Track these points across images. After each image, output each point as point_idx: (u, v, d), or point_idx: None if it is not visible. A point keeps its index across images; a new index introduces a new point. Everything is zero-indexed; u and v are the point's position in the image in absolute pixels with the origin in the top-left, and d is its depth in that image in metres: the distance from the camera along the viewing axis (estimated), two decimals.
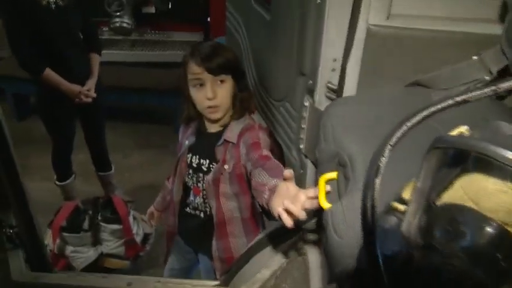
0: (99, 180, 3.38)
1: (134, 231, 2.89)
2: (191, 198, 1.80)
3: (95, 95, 2.84)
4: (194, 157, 1.75)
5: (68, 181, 3.18)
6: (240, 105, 1.66)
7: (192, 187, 1.79)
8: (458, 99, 0.62)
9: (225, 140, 1.64)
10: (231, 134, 1.64)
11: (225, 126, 1.68)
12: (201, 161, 1.73)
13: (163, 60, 4.27)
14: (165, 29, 4.53)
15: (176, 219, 1.88)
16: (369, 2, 1.23)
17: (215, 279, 1.83)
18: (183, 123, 1.81)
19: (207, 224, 1.76)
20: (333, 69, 1.39)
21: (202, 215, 1.81)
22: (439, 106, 0.62)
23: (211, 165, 1.70)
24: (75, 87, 2.75)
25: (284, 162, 1.76)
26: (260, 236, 1.69)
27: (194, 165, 1.75)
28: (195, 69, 1.55)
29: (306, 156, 1.58)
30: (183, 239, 1.95)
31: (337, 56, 1.36)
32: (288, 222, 1.02)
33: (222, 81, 1.58)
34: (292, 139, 1.64)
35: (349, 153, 1.03)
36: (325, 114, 1.18)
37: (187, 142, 1.77)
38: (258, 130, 1.62)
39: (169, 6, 4.38)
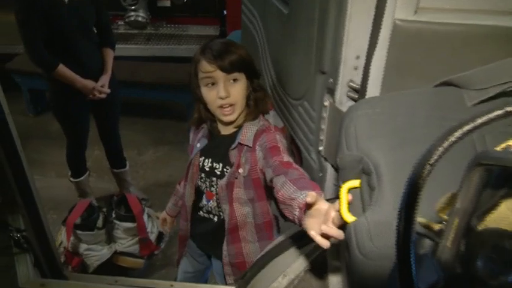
0: (113, 177, 3.34)
1: (148, 229, 2.85)
2: (204, 202, 1.73)
3: (108, 91, 2.79)
4: (206, 160, 1.67)
5: (82, 178, 3.15)
6: (255, 106, 1.56)
7: (205, 191, 1.71)
8: (510, 109, 0.53)
9: (239, 143, 1.56)
10: (246, 137, 1.55)
11: (239, 128, 1.59)
12: (214, 164, 1.65)
13: (179, 55, 4.21)
14: (180, 23, 4.46)
15: (188, 223, 1.83)
16: None
17: (226, 284, 1.78)
18: (193, 126, 1.74)
19: (221, 227, 1.70)
20: (355, 67, 1.30)
21: (216, 218, 1.74)
22: (486, 118, 0.53)
23: (225, 169, 1.62)
24: (89, 83, 2.70)
25: (302, 163, 1.68)
26: (278, 240, 1.61)
27: (207, 168, 1.67)
28: (206, 67, 1.46)
29: (325, 159, 1.50)
30: (196, 243, 1.89)
31: (360, 53, 1.27)
32: (325, 244, 0.94)
33: (235, 79, 1.49)
34: (311, 140, 1.55)
35: (375, 161, 0.94)
36: (348, 116, 1.10)
37: (198, 145, 1.69)
38: (274, 132, 1.53)
39: (185, 0, 4.31)
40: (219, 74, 1.46)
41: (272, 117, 1.68)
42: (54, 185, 3.55)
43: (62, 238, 2.76)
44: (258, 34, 1.97)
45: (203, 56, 1.47)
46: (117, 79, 3.00)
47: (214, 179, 1.65)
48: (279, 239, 1.60)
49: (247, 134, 1.55)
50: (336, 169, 1.46)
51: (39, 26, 2.46)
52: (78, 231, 2.71)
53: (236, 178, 1.57)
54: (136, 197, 2.90)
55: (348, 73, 1.31)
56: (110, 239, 2.83)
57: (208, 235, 1.79)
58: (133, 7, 4.04)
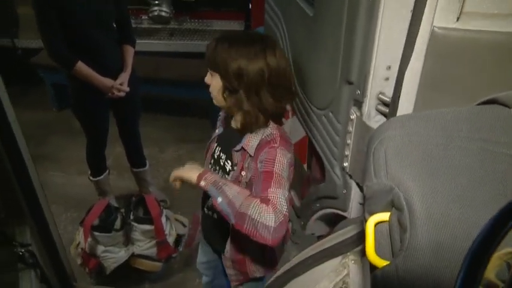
0: (133, 176, 3.29)
1: (166, 231, 2.78)
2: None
3: (128, 89, 2.72)
4: (218, 148, 1.72)
5: (101, 176, 3.11)
6: (243, 116, 1.51)
7: None
8: None
9: (243, 147, 1.55)
10: (249, 145, 1.53)
11: (242, 129, 1.55)
12: (221, 154, 1.69)
13: (203, 51, 4.11)
14: (205, 18, 4.36)
15: (201, 211, 1.90)
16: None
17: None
18: None
19: (221, 225, 1.69)
20: (386, 79, 1.17)
21: (215, 216, 1.78)
22: None
23: (227, 163, 1.65)
24: (108, 81, 2.64)
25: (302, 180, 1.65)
26: (304, 254, 1.50)
27: (215, 156, 1.71)
28: None
29: (350, 176, 1.38)
30: (204, 237, 1.99)
31: (391, 63, 1.14)
32: None
33: (211, 73, 1.53)
34: (335, 155, 1.43)
35: (407, 195, 0.82)
36: (377, 137, 0.97)
37: (217, 131, 1.76)
38: (277, 148, 1.47)
39: None
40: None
41: (290, 124, 1.60)
42: (75, 182, 3.53)
43: (80, 239, 2.72)
44: (280, 35, 1.85)
45: None
46: (140, 75, 2.93)
47: (217, 168, 1.69)
48: (307, 252, 1.49)
49: (250, 142, 1.53)
50: (362, 188, 1.34)
51: (56, 21, 2.40)
52: (96, 233, 2.66)
53: (240, 181, 1.57)
54: (155, 198, 2.83)
55: (378, 84, 1.18)
56: (128, 241, 2.78)
57: (211, 231, 1.88)
58: (157, 2, 3.97)
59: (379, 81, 1.17)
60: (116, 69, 2.69)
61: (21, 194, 1.37)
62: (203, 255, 2.13)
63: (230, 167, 1.62)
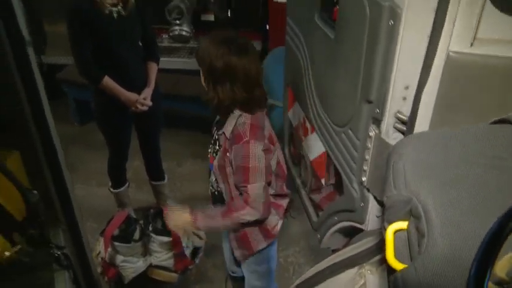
0: (152, 189, 3.38)
1: (184, 244, 2.85)
2: (210, 170, 2.07)
3: (150, 103, 2.83)
4: (215, 131, 2.02)
5: (121, 189, 3.20)
6: (218, 104, 1.82)
7: (209, 155, 2.07)
8: None
9: (223, 132, 1.86)
10: (227, 129, 1.84)
11: (213, 113, 1.97)
12: (216, 136, 2.00)
13: None
14: None
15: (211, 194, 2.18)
16: (451, 25, 1.09)
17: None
18: None
19: (221, 200, 2.01)
20: (404, 98, 1.25)
21: (216, 193, 2.05)
22: None
23: (217, 145, 1.98)
24: (132, 96, 2.75)
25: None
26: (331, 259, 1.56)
27: (214, 137, 2.02)
28: None
29: (368, 190, 1.45)
30: None
31: (409, 84, 1.22)
32: None
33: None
34: (354, 169, 1.51)
35: (425, 204, 0.89)
36: (396, 152, 1.05)
37: (217, 117, 2.03)
38: (248, 145, 1.76)
39: (229, 14, 4.34)
40: None
41: (310, 140, 1.93)
42: (95, 194, 3.62)
43: (100, 248, 2.80)
44: (301, 55, 1.94)
45: None
46: (160, 91, 3.04)
47: (215, 147, 1.99)
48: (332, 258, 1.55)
49: (227, 127, 1.84)
50: (379, 202, 1.41)
51: (88, 39, 2.52)
52: (116, 243, 2.74)
53: (225, 160, 1.87)
54: None
55: (396, 104, 1.26)
56: (146, 252, 2.85)
57: (215, 206, 2.09)
58: (178, 21, 4.10)
59: (397, 101, 1.26)
60: (140, 85, 2.81)
61: (57, 199, 1.46)
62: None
63: (218, 147, 1.96)
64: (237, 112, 1.81)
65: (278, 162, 1.94)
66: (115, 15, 2.56)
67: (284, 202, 2.04)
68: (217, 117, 2.02)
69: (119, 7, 2.56)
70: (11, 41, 1.23)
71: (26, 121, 1.38)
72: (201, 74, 1.87)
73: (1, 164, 1.36)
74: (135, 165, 3.73)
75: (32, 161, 1.52)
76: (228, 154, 1.84)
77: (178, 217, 1.96)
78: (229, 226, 1.91)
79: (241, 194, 1.86)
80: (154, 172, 3.27)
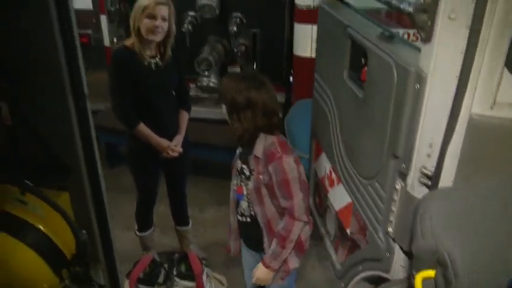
0: (176, 234, 3.45)
1: None
2: (240, 204, 2.20)
3: (181, 150, 2.95)
4: (240, 162, 2.18)
5: (147, 232, 3.28)
6: (242, 132, 2.01)
7: (236, 187, 2.22)
8: None
9: (254, 155, 2.03)
10: (258, 151, 2.02)
11: (237, 141, 2.10)
12: (243, 166, 2.15)
13: None
14: None
15: (234, 217, 2.33)
16: (473, 90, 1.20)
17: None
18: None
19: (255, 225, 2.14)
20: (428, 155, 1.35)
21: (249, 219, 2.18)
22: None
23: (245, 170, 2.12)
24: (164, 142, 2.88)
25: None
26: None
27: (238, 168, 2.18)
28: None
29: (393, 240, 1.52)
30: (244, 242, 2.36)
31: (433, 142, 1.32)
32: None
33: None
34: (379, 220, 1.59)
35: (451, 254, 0.97)
36: (423, 205, 1.14)
37: (238, 150, 2.24)
38: (281, 158, 1.95)
39: (254, 67, 4.54)
40: None
41: (335, 191, 2.02)
42: (122, 237, 3.69)
43: None
44: (329, 110, 2.07)
45: None
46: (189, 139, 3.17)
47: (243, 177, 2.15)
48: None
49: (258, 150, 2.02)
50: (405, 252, 1.48)
51: (127, 88, 2.70)
52: (141, 286, 2.81)
53: (259, 183, 2.03)
54: (197, 256, 2.98)
55: (421, 159, 1.36)
56: None
57: (247, 234, 2.27)
58: (206, 73, 4.29)
59: (422, 157, 1.35)
60: (172, 132, 2.95)
61: (99, 240, 1.56)
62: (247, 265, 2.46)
63: (248, 173, 2.11)
64: (262, 135, 2.02)
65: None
66: (153, 66, 2.74)
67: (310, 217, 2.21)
68: (239, 151, 2.23)
69: (157, 59, 2.75)
70: (74, 96, 1.37)
71: (78, 164, 1.50)
72: (224, 109, 2.07)
73: (57, 204, 1.47)
74: (160, 210, 3.82)
75: (79, 202, 1.63)
76: (261, 176, 2.03)
77: (260, 273, 2.13)
78: (291, 248, 2.06)
79: (277, 211, 2.07)
80: (180, 217, 3.35)
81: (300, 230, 2.03)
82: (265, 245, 2.16)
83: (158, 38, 2.62)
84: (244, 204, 2.19)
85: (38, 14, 1.29)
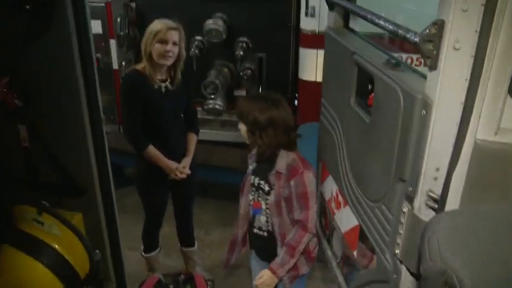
0: (181, 255, 3.47)
1: None
2: (256, 218, 2.39)
3: (189, 172, 3.00)
4: (256, 178, 2.36)
5: (153, 253, 3.31)
6: (264, 149, 2.23)
7: (252, 202, 2.40)
8: None
9: (277, 171, 2.22)
10: (281, 168, 2.21)
11: (260, 157, 2.30)
12: (261, 182, 2.33)
13: None
14: None
15: (242, 231, 2.53)
16: (477, 117, 1.24)
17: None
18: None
19: (271, 239, 2.36)
20: (435, 178, 1.38)
21: (266, 234, 2.39)
22: None
23: (267, 186, 2.31)
24: (172, 164, 2.93)
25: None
26: None
27: (255, 184, 2.36)
28: None
29: (401, 262, 1.54)
30: (256, 253, 2.56)
31: (440, 166, 1.35)
32: None
33: (240, 121, 2.28)
34: (387, 242, 1.61)
35: (460, 277, 1.00)
36: (430, 228, 1.17)
37: (251, 167, 2.41)
38: (302, 173, 2.18)
39: (260, 90, 4.61)
40: None
41: (342, 213, 2.10)
42: (126, 257, 3.71)
43: None
44: (336, 134, 2.11)
45: None
46: (196, 161, 3.22)
47: (261, 192, 2.34)
48: None
49: (281, 166, 2.21)
50: (412, 273, 1.50)
51: (138, 111, 2.76)
52: None
53: (280, 197, 2.23)
54: (203, 277, 2.99)
55: (428, 183, 1.39)
56: None
57: (262, 246, 2.46)
58: (212, 96, 4.37)
59: (429, 181, 1.39)
60: (180, 154, 3.00)
61: (110, 260, 1.59)
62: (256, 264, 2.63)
63: (268, 188, 2.29)
64: (283, 152, 2.21)
65: None
66: (163, 90, 2.81)
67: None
68: (252, 167, 2.39)
69: (167, 83, 2.82)
70: (91, 120, 1.43)
71: (92, 186, 1.55)
72: (242, 129, 2.25)
73: (73, 225, 1.51)
74: (165, 231, 3.84)
75: (91, 223, 1.67)
76: (281, 190, 2.22)
77: (266, 277, 2.29)
78: (298, 258, 2.28)
79: (291, 223, 2.28)
80: (186, 238, 3.38)
81: (308, 241, 2.24)
82: (279, 253, 2.34)
83: (169, 62, 2.70)
84: (262, 218, 2.37)
85: (60, 42, 1.35)
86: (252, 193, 2.39)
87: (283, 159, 2.21)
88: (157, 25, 2.69)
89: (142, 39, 2.75)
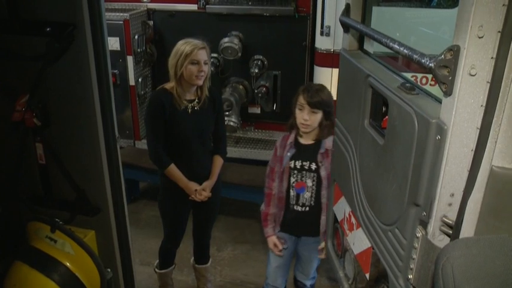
0: (194, 271, 3.46)
1: None
2: (297, 194, 2.67)
3: (209, 194, 2.97)
4: (297, 162, 2.65)
5: (167, 270, 3.30)
6: (327, 130, 2.60)
7: (294, 184, 2.66)
8: None
9: (327, 149, 2.59)
10: (329, 145, 2.56)
11: (316, 140, 2.64)
12: (303, 163, 2.64)
13: (264, 159, 4.43)
14: (268, 129, 4.75)
15: (282, 211, 2.76)
16: (493, 143, 1.23)
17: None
18: (287, 130, 2.75)
19: (313, 213, 2.69)
20: (450, 204, 1.37)
21: (308, 208, 2.69)
22: None
23: (312, 165, 2.63)
24: (192, 185, 2.91)
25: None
26: None
27: (298, 167, 2.65)
28: (301, 99, 2.56)
29: (414, 287, 1.52)
30: (290, 230, 2.83)
31: (455, 191, 1.34)
32: None
33: (314, 112, 2.54)
34: (400, 267, 1.59)
35: None
36: (444, 255, 1.15)
37: (289, 154, 2.66)
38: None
39: (274, 108, 4.63)
40: (306, 106, 2.54)
41: (355, 236, 2.13)
42: (138, 272, 3.72)
43: None
44: (349, 155, 2.10)
45: (302, 92, 2.57)
46: (221, 184, 3.20)
47: (304, 172, 2.65)
48: None
49: (329, 145, 2.56)
50: None
51: (161, 130, 2.78)
52: None
53: (329, 171, 2.53)
54: None
55: (442, 208, 1.38)
56: None
57: (304, 221, 2.74)
58: (227, 113, 4.40)
59: (443, 206, 1.37)
60: (203, 176, 2.98)
61: (122, 279, 1.60)
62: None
63: (315, 166, 2.61)
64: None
65: None
66: (189, 110, 2.81)
67: None
68: (291, 154, 2.65)
69: (195, 102, 2.83)
70: (106, 138, 1.45)
71: (105, 205, 1.56)
72: (318, 116, 2.55)
73: (85, 243, 1.52)
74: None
75: (103, 241, 1.68)
76: (329, 165, 2.54)
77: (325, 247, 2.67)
78: None
79: None
80: (201, 255, 3.36)
81: None
82: (322, 224, 2.67)
83: (201, 82, 2.73)
84: (307, 194, 2.67)
85: (77, 62, 1.38)
86: (294, 175, 2.65)
87: (330, 139, 2.54)
88: (186, 46, 2.68)
89: (165, 58, 2.78)
